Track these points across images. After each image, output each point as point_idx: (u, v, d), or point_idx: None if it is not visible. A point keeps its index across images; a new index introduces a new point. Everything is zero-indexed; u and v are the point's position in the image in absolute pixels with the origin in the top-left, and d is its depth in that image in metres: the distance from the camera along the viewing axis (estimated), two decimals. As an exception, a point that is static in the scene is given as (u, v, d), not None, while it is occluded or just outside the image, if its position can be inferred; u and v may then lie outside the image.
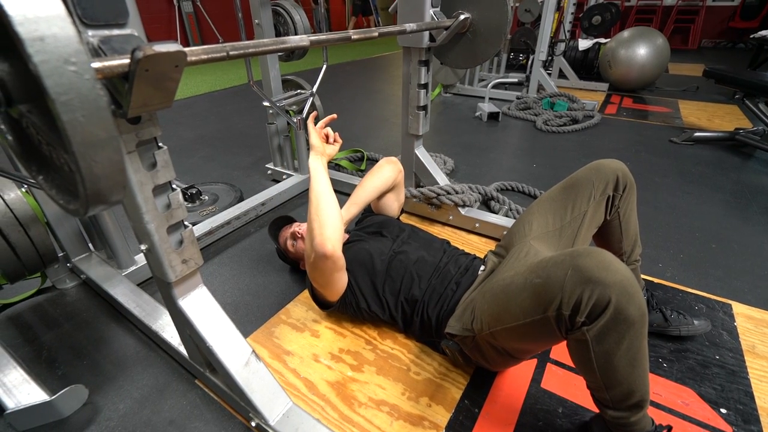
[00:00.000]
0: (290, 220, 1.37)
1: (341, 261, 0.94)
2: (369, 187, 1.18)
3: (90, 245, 1.36)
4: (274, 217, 1.36)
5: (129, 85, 0.50)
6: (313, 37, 0.76)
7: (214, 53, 0.60)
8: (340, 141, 1.07)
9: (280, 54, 1.82)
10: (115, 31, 0.54)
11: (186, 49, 0.56)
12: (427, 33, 1.31)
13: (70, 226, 1.29)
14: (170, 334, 1.05)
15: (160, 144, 0.66)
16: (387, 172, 1.21)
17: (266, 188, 1.86)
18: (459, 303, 0.93)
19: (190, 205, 1.77)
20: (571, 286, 0.61)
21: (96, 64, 0.47)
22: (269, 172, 2.09)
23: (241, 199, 1.83)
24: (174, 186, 0.71)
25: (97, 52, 0.52)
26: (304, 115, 1.82)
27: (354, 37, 0.85)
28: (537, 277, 0.67)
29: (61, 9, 0.32)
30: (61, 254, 1.31)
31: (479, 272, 1.00)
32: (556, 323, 0.65)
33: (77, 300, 1.28)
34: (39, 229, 1.10)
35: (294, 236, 1.24)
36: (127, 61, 0.48)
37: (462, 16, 1.27)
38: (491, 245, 1.52)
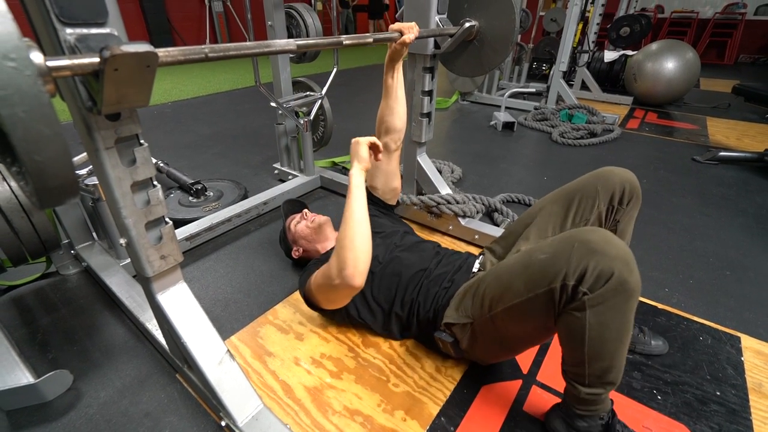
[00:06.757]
0: (303, 207, 1.43)
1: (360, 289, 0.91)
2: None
3: (94, 234, 1.40)
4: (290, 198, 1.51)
5: (100, 83, 0.51)
6: (301, 42, 0.76)
7: (191, 54, 0.60)
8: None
9: (291, 56, 1.85)
10: (94, 30, 0.55)
11: (160, 50, 0.56)
12: (431, 40, 1.30)
13: (75, 215, 1.33)
14: (157, 326, 1.06)
15: (142, 141, 0.67)
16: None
17: (271, 187, 1.88)
18: (454, 296, 0.93)
19: (194, 201, 1.80)
20: (578, 257, 0.66)
21: (65, 62, 0.48)
22: (276, 171, 2.12)
23: (244, 197, 1.85)
24: (155, 183, 0.72)
25: (73, 50, 0.53)
26: (311, 117, 1.83)
27: (346, 42, 0.85)
28: (542, 253, 0.72)
29: (2, 5, 0.33)
30: (66, 241, 1.36)
31: (474, 269, 1.01)
32: (560, 295, 0.68)
33: (77, 287, 1.32)
34: (42, 216, 1.14)
35: (302, 217, 1.28)
36: (96, 59, 0.49)
37: (467, 24, 1.25)
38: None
